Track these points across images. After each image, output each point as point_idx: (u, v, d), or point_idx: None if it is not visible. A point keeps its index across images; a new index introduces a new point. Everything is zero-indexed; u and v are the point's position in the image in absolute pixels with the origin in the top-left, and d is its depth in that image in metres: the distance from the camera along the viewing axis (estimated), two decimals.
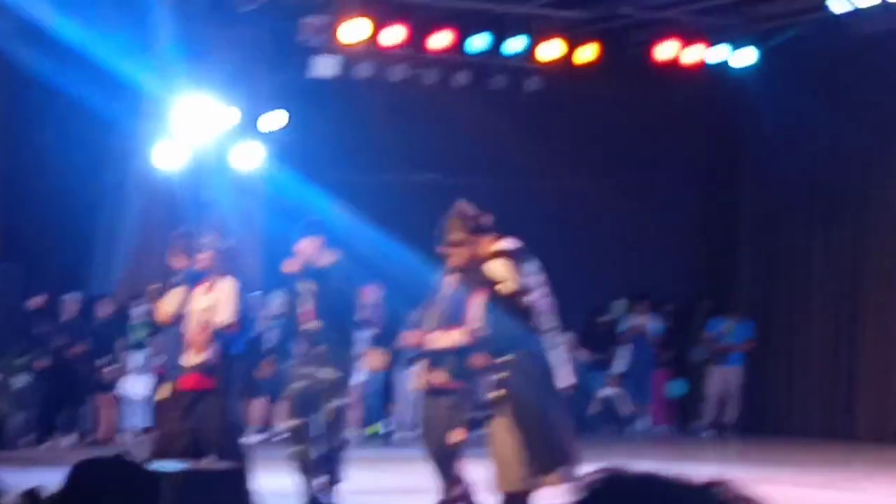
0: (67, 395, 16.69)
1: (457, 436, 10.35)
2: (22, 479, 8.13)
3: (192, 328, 11.07)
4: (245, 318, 12.32)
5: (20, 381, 16.19)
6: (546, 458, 8.81)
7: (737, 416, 18.73)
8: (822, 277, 18.64)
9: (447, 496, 10.62)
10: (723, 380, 18.76)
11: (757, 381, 18.85)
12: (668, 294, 19.32)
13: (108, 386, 16.82)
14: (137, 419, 16.64)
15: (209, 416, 10.94)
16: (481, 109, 17.95)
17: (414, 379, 17.45)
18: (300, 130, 17.13)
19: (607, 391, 18.62)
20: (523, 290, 8.92)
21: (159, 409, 12.20)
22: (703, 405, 18.95)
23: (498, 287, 8.97)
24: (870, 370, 17.89)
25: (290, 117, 17.00)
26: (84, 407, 16.85)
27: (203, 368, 11.36)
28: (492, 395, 9.04)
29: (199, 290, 11.28)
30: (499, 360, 8.93)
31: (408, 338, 11.36)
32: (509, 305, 8.88)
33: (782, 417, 18.59)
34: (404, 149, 18.15)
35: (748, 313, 18.82)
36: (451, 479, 10.46)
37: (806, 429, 18.02)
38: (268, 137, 17.10)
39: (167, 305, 11.31)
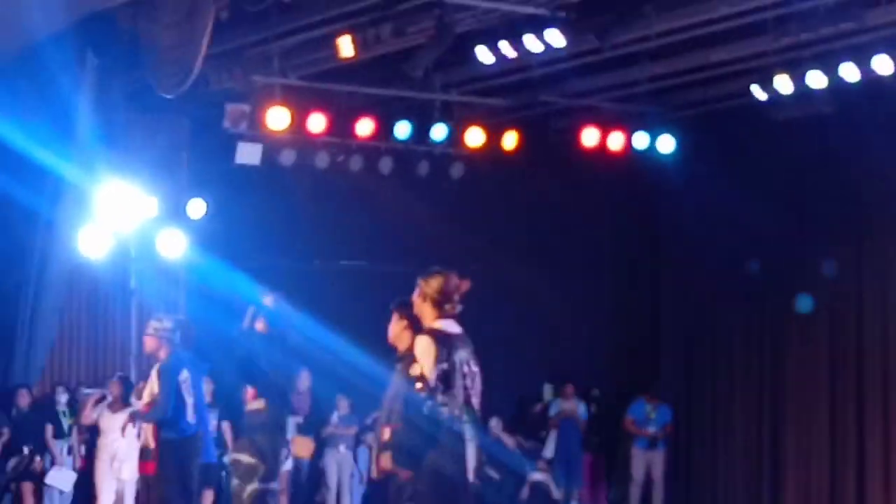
0: None
1: None
2: None
3: None
4: (174, 399, 12.21)
5: None
6: None
7: (662, 500, 18.61)
8: (743, 364, 18.56)
9: None
10: (646, 464, 18.58)
11: (683, 468, 18.80)
12: (592, 379, 19.18)
13: (33, 476, 16.31)
14: None
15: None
16: (406, 196, 17.85)
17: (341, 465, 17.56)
18: (224, 217, 16.87)
19: (538, 476, 18.27)
20: (433, 376, 8.70)
21: None
22: (631, 488, 18.81)
23: (412, 368, 8.87)
24: (794, 456, 17.73)
25: (212, 204, 16.73)
26: (7, 496, 16.37)
27: (141, 454, 11.32)
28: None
29: None
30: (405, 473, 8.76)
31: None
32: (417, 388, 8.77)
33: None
34: (330, 235, 18.13)
35: (670, 400, 18.68)
36: None
37: None
38: (190, 225, 16.81)
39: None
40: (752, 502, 18.15)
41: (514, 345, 18.47)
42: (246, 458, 11.76)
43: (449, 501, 8.70)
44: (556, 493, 18.52)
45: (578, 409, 18.68)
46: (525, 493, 18.20)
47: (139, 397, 13.29)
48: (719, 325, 18.81)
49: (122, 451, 14.41)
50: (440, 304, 8.99)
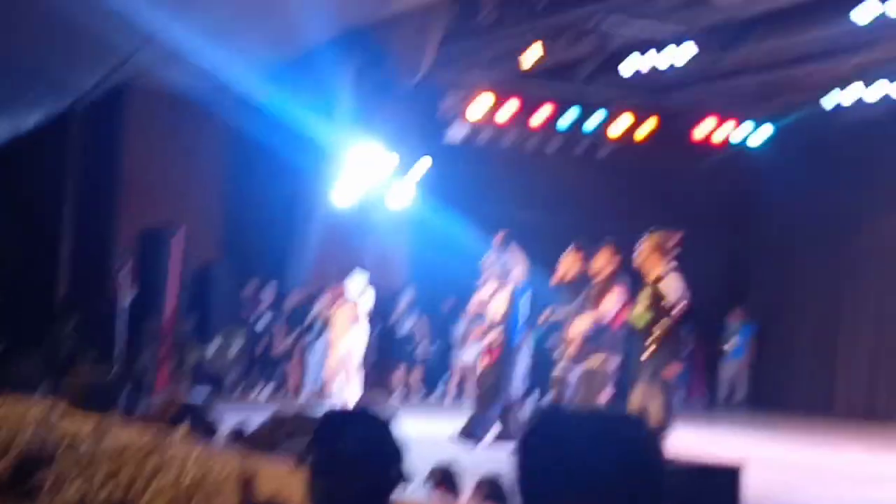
0: (266, 360, 17.18)
1: None
2: (235, 416, 8.34)
3: None
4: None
5: (234, 349, 16.70)
6: None
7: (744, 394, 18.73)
8: (809, 297, 18.70)
9: None
10: (733, 367, 18.85)
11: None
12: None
13: (295, 354, 17.15)
14: (319, 381, 16.45)
15: None
16: (566, 168, 18.34)
17: None
18: (442, 174, 17.29)
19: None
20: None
21: None
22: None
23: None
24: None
25: (435, 165, 17.17)
26: (278, 369, 17.25)
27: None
28: None
29: None
30: None
31: None
32: None
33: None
34: (515, 193, 18.30)
35: (756, 317, 18.76)
36: None
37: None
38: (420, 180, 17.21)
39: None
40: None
41: None
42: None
43: None
44: None
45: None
46: None
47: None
48: (800, 259, 18.70)
49: None
50: (667, 254, 9.14)
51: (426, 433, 10.99)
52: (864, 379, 17.65)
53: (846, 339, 17.98)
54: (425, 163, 17.15)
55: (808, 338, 18.48)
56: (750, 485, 6.38)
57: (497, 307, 11.91)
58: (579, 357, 10.31)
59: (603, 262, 10.12)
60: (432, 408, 16.79)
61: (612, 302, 10.05)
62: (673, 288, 8.92)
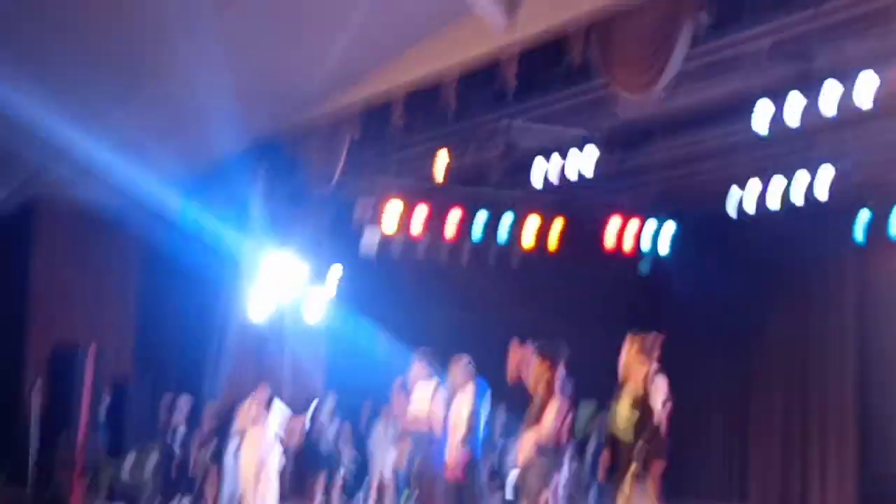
0: (183, 474, 16.84)
1: None
2: None
3: None
4: None
5: (151, 460, 16.56)
6: None
7: None
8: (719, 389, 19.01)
9: None
10: None
11: None
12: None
13: (213, 464, 16.62)
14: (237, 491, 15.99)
15: None
16: (481, 277, 18.35)
17: None
18: (356, 283, 17.39)
19: None
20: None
21: None
22: None
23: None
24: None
25: (346, 271, 17.27)
26: (196, 481, 16.83)
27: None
28: None
29: None
30: None
31: None
32: None
33: None
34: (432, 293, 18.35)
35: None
36: None
37: None
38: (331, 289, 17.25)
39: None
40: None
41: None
42: None
43: None
44: None
45: None
46: None
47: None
48: (706, 366, 18.94)
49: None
50: (651, 356, 9.07)
51: None
52: (777, 467, 17.84)
53: (757, 429, 18.29)
54: (339, 272, 17.33)
55: (721, 430, 18.80)
56: None
57: (454, 416, 11.29)
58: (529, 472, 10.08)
59: (538, 373, 9.93)
60: None
61: (553, 415, 9.87)
62: (661, 389, 9.00)
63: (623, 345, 9.37)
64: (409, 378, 12.34)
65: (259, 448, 14.60)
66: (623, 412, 9.25)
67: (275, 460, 14.57)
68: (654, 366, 9.13)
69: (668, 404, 8.98)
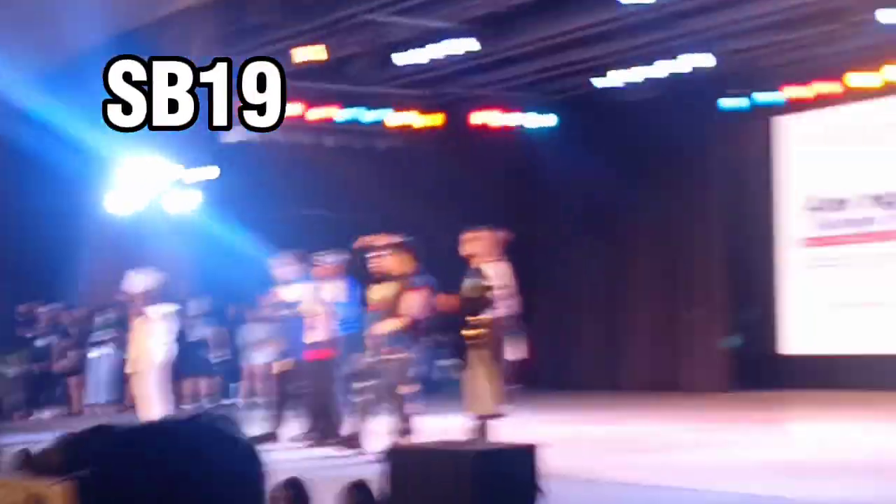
0: (47, 379, 16.77)
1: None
2: (16, 442, 8.34)
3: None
4: None
5: (12, 370, 16.35)
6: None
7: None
8: (591, 279, 19.16)
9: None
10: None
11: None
12: None
13: (76, 371, 16.85)
14: (101, 396, 16.71)
15: None
16: (348, 163, 18.35)
17: None
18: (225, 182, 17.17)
19: None
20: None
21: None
22: None
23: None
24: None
25: (213, 167, 16.95)
26: (59, 388, 16.86)
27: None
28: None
29: None
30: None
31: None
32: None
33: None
34: (298, 192, 18.16)
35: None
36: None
37: None
38: (200, 186, 17.03)
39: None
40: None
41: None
42: None
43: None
44: None
45: None
46: None
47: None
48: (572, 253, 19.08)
49: None
50: (499, 248, 9.48)
51: None
52: (647, 355, 18.21)
53: (626, 318, 18.55)
54: (205, 167, 16.94)
55: (592, 321, 19.01)
56: (547, 462, 6.44)
57: (318, 305, 11.60)
58: (377, 355, 10.34)
59: (400, 262, 10.14)
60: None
61: (413, 304, 10.08)
62: (505, 273, 9.32)
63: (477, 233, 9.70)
64: (276, 277, 12.26)
65: (142, 347, 14.30)
66: (466, 286, 9.58)
67: (158, 359, 14.27)
68: (502, 256, 9.53)
69: (512, 289, 9.36)
